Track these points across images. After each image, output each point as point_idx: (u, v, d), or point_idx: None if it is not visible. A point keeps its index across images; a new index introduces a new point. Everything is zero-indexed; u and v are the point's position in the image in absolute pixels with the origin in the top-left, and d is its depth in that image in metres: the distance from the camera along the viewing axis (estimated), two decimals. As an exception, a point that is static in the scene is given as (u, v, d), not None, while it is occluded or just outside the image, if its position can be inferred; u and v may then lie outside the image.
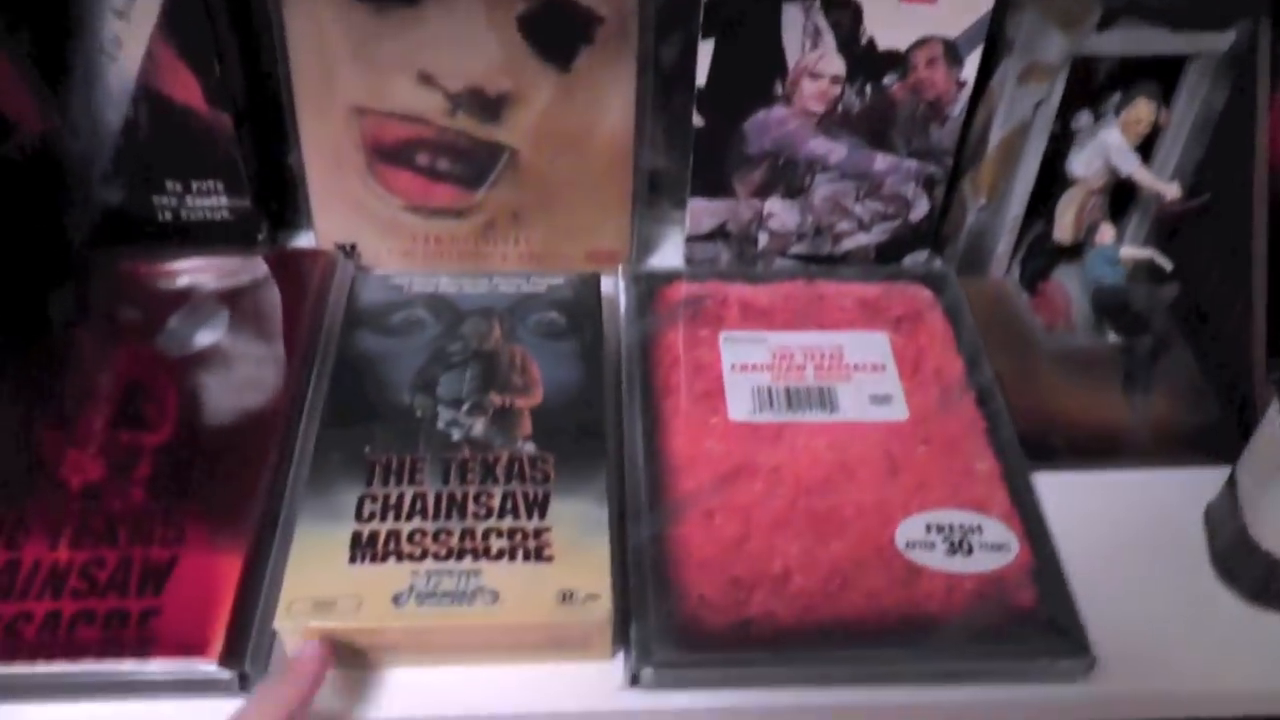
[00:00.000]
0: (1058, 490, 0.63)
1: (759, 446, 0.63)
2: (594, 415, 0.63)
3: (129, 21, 0.67)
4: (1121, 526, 0.64)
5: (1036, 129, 0.71)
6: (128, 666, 0.53)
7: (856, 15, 0.67)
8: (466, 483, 0.59)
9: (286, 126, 0.71)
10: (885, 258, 0.79)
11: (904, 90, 0.70)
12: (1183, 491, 0.66)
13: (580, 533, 0.57)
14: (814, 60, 0.69)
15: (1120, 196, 0.77)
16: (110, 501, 0.59)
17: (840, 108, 0.71)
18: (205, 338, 0.68)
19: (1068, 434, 0.69)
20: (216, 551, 0.57)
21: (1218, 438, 0.69)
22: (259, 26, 0.70)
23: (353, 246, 0.76)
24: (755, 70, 0.70)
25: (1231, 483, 0.62)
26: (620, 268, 0.74)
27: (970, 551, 0.59)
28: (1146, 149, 0.74)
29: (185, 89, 0.70)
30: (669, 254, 0.81)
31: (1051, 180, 0.75)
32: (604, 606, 0.54)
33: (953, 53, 0.69)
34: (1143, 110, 0.70)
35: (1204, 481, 0.66)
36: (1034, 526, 0.60)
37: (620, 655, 0.57)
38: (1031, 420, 0.68)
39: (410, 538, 0.56)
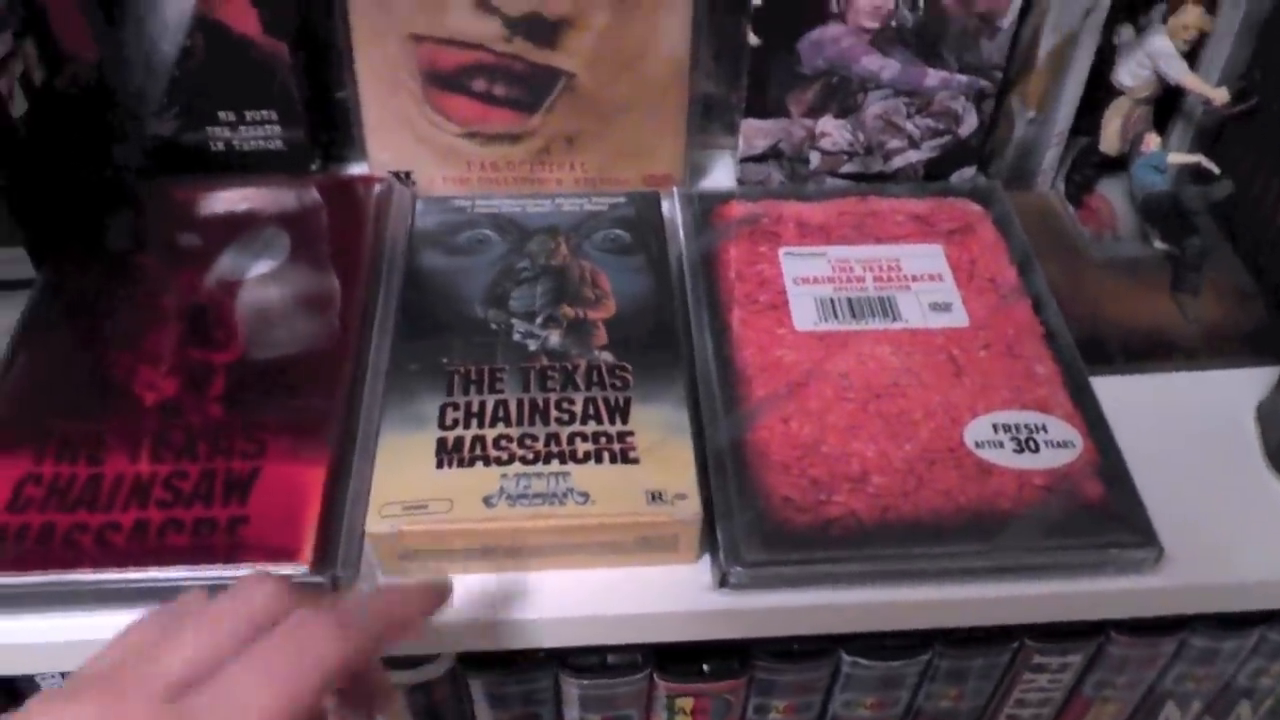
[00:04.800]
0: (1113, 392, 0.64)
1: (826, 354, 0.64)
2: (667, 325, 0.64)
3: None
4: (1176, 426, 0.66)
5: (1085, 37, 0.72)
6: (220, 572, 0.53)
7: (911, -72, 0.68)
8: (547, 390, 0.60)
9: (341, 56, 0.71)
10: (933, 174, 0.80)
11: (955, 3, 0.71)
12: (1234, 391, 0.68)
13: (663, 436, 0.58)
14: (868, -25, 0.70)
15: (1162, 109, 0.78)
16: (188, 416, 0.59)
17: (893, 23, 0.71)
18: (267, 262, 0.68)
19: (1120, 338, 0.70)
20: (299, 462, 0.57)
21: (1267, 337, 0.70)
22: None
23: (408, 174, 0.76)
24: (811, -13, 0.70)
25: (1283, 380, 0.63)
26: (675, 190, 0.74)
27: (1037, 449, 0.60)
28: (1191, 57, 0.74)
29: (243, 18, 0.70)
30: (720, 178, 0.81)
31: (1096, 94, 0.76)
32: (693, 504, 0.55)
33: (1003, -37, 0.70)
34: (1191, 15, 0.71)
35: (1255, 380, 0.67)
36: (1096, 425, 0.61)
37: (705, 559, 0.58)
38: (1084, 326, 0.70)
39: (496, 443, 0.57)
